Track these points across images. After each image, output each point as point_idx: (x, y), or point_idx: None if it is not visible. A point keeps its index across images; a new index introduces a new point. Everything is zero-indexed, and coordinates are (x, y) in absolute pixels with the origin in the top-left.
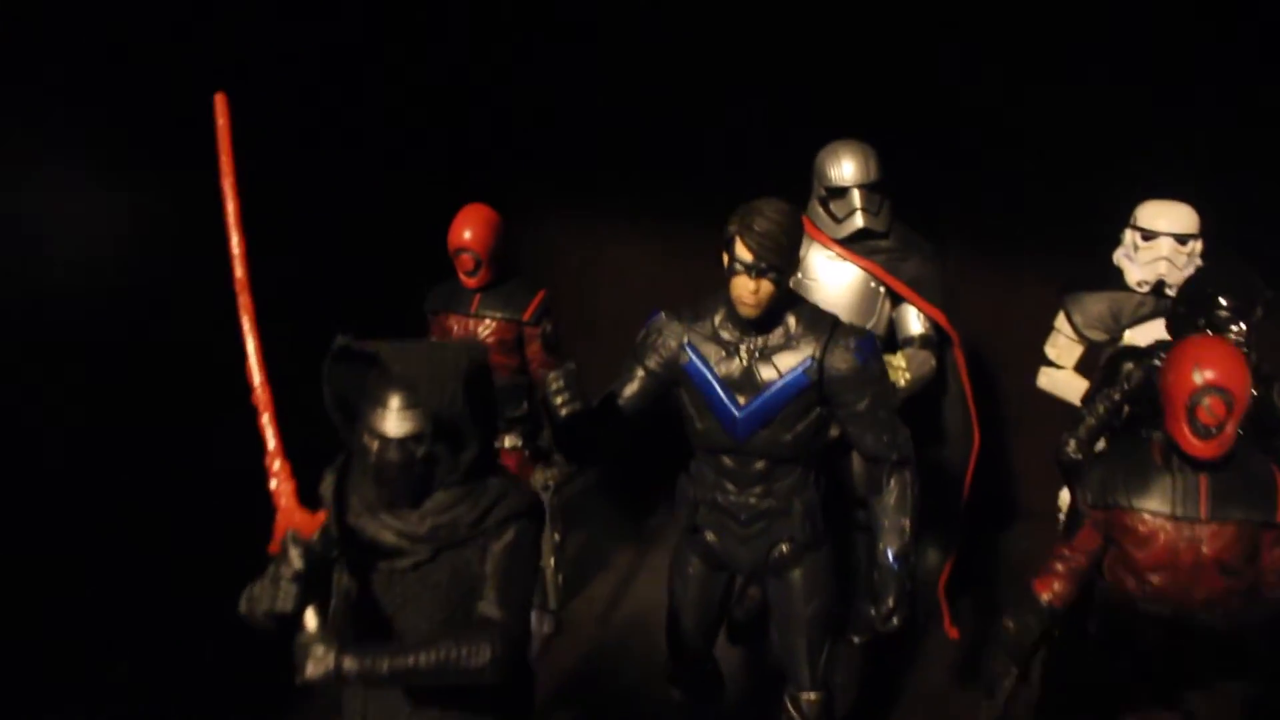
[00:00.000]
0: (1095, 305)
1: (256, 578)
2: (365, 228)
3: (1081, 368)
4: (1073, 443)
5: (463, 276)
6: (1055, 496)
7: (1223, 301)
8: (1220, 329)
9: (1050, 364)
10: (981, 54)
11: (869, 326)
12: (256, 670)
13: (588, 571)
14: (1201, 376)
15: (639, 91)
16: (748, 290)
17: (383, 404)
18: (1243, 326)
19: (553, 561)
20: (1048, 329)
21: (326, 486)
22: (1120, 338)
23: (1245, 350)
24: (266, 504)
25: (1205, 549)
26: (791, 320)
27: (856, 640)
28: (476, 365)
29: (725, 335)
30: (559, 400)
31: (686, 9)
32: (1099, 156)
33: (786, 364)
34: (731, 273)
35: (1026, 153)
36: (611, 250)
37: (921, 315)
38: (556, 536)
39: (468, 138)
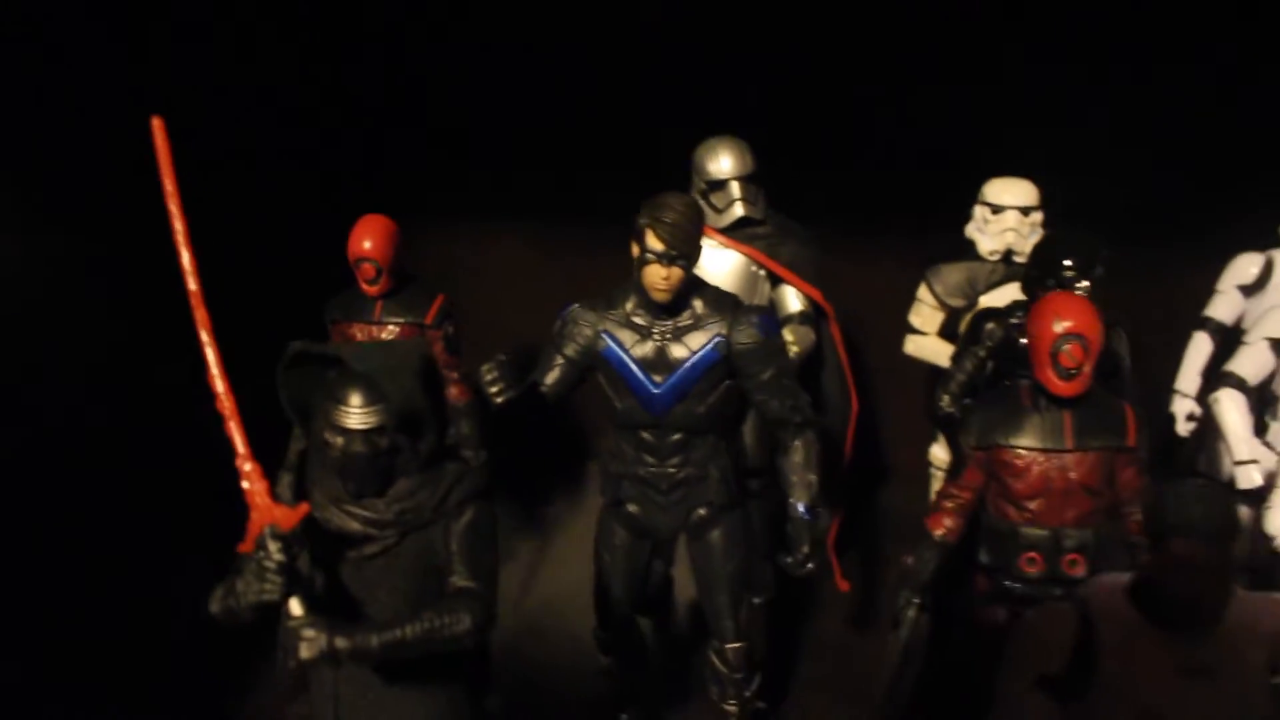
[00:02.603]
0: (953, 275)
1: (225, 578)
2: (263, 240)
3: (943, 333)
4: (946, 397)
5: (364, 285)
6: (924, 453)
7: (1067, 263)
8: (1067, 286)
9: (915, 331)
10: (851, 55)
11: None
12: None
13: None
14: (1061, 325)
15: (515, 93)
16: (660, 277)
17: (345, 401)
18: (1086, 283)
19: None
20: (909, 301)
21: (284, 486)
22: (976, 302)
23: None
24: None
25: (1073, 475)
26: (697, 303)
27: (757, 601)
28: (428, 360)
29: (638, 320)
30: (494, 390)
31: (558, 11)
32: (948, 145)
33: (697, 342)
34: (644, 262)
35: (885, 142)
36: (492, 252)
37: (799, 294)
38: None
39: (350, 146)
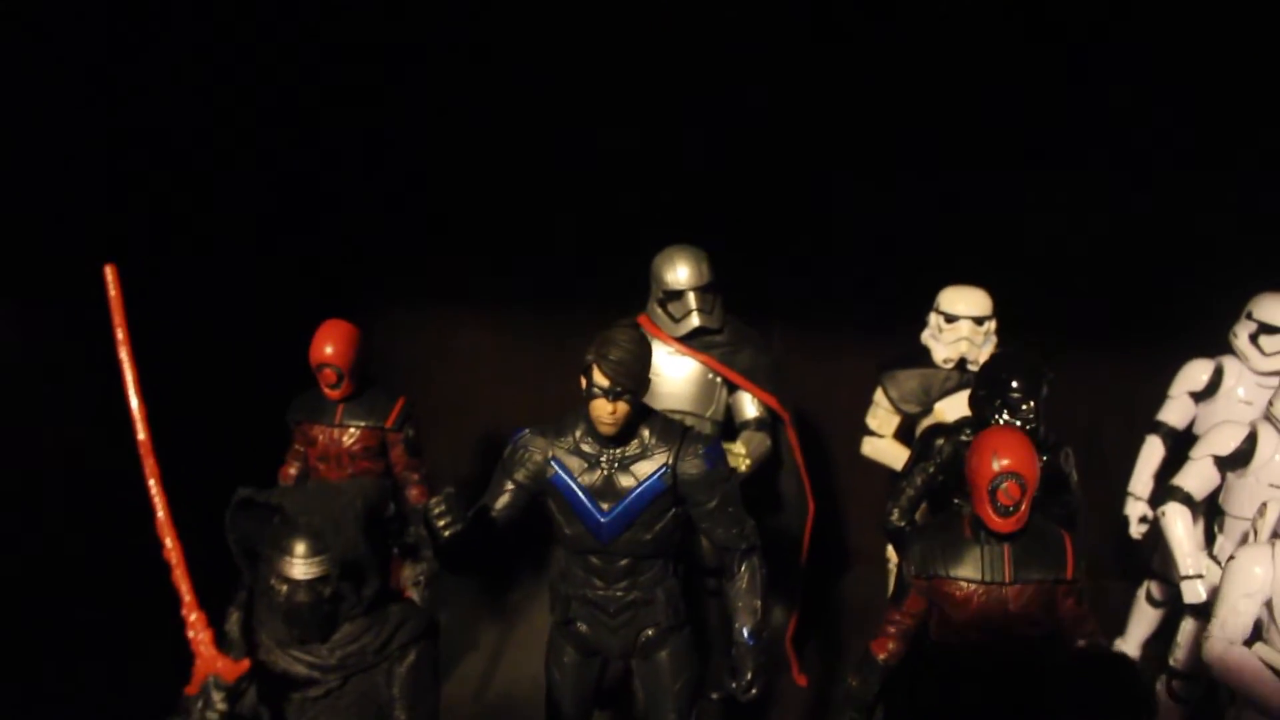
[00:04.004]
0: (908, 382)
1: (171, 718)
2: (227, 332)
3: (899, 435)
4: (896, 512)
5: (326, 389)
6: (884, 546)
7: (1014, 384)
8: (1014, 408)
9: (872, 433)
10: (810, 159)
11: (709, 413)
12: None
13: (458, 651)
14: (999, 464)
15: (481, 180)
16: (606, 412)
17: (289, 551)
18: (1032, 404)
19: None
20: (867, 401)
21: (233, 624)
22: (931, 409)
23: (1034, 423)
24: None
25: (1012, 607)
26: (645, 432)
27: (715, 696)
28: (372, 506)
29: (586, 448)
30: (441, 524)
31: (524, 104)
32: (904, 246)
33: (644, 471)
34: (590, 396)
35: (842, 246)
36: (458, 338)
37: (756, 400)
38: None
39: (307, 244)
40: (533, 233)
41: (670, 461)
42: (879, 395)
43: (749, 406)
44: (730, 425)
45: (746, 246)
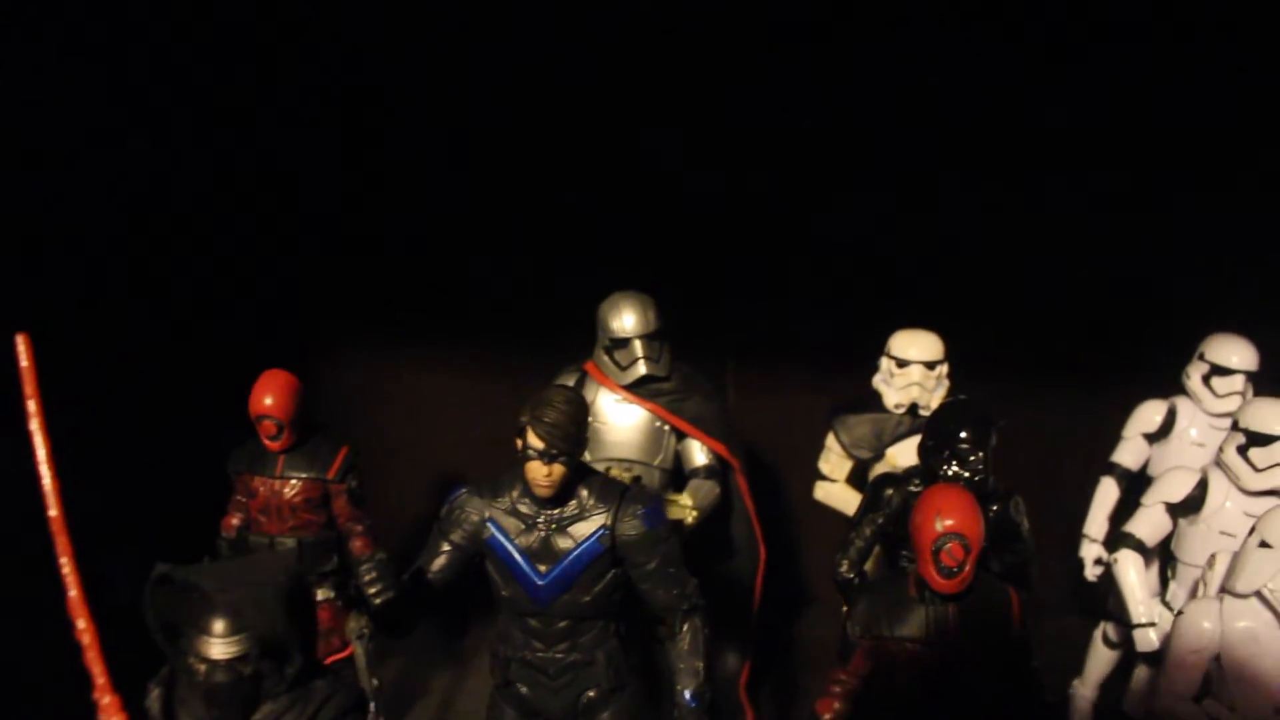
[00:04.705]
0: (860, 427)
1: None
2: (155, 389)
3: (852, 479)
4: (845, 563)
5: (266, 441)
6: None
7: (963, 435)
8: (962, 458)
9: (824, 478)
10: (762, 200)
11: (657, 461)
12: None
13: (407, 700)
14: (942, 524)
15: (435, 220)
16: (541, 474)
17: (207, 630)
18: (980, 454)
19: (373, 707)
20: (820, 444)
21: (153, 701)
22: (883, 454)
23: (983, 474)
24: None
25: (958, 667)
26: (584, 492)
27: None
28: (295, 580)
29: (523, 509)
30: (373, 590)
31: (472, 145)
32: (858, 289)
33: (581, 533)
34: (526, 458)
35: (795, 289)
36: (406, 381)
37: (705, 448)
38: (375, 681)
39: (257, 287)
40: (482, 275)
41: (609, 523)
42: (830, 440)
43: (698, 454)
44: (679, 473)
45: (699, 289)
